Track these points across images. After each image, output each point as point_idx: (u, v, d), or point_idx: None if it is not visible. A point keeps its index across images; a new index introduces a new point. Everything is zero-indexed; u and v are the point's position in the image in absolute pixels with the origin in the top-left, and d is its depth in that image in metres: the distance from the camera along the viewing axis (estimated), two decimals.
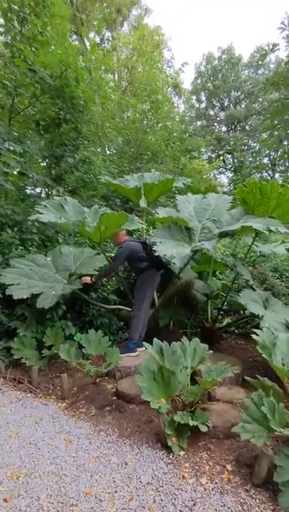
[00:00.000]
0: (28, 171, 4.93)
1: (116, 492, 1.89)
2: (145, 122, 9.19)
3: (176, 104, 15.52)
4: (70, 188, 6.69)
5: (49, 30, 5.24)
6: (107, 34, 15.75)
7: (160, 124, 9.71)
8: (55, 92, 5.39)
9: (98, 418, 2.69)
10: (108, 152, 9.41)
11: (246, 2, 37.36)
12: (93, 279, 3.72)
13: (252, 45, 36.34)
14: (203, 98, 26.30)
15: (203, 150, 14.74)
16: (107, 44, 15.02)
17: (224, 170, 22.16)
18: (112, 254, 3.91)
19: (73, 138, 6.09)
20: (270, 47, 9.09)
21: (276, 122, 9.74)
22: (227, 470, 2.04)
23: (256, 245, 4.48)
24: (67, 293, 3.65)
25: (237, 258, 4.98)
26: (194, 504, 1.80)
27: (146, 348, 2.57)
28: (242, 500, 1.81)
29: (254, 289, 3.54)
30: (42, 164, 6.51)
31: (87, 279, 3.72)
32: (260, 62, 22.51)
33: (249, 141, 21.88)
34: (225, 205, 3.76)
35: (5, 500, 1.82)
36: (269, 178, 18.12)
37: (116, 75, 12.83)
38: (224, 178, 21.39)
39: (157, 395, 2.39)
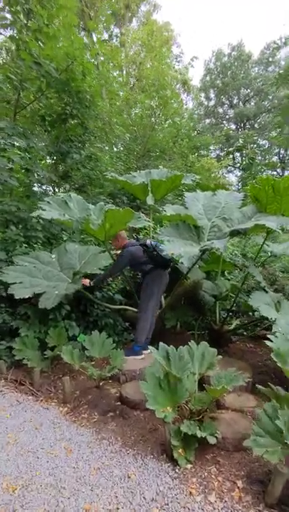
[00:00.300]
0: (33, 167, 4.82)
1: (118, 509, 1.75)
2: (153, 119, 9.02)
3: (184, 102, 15.31)
4: (76, 186, 6.58)
5: (56, 23, 5.11)
6: (116, 30, 15.63)
7: (168, 121, 9.54)
8: (61, 86, 5.27)
9: (101, 425, 2.56)
10: (115, 149, 9.26)
11: None
12: (91, 283, 3.60)
13: (262, 42, 35.79)
14: (212, 95, 25.96)
15: (211, 148, 14.52)
16: (116, 40, 14.88)
17: (233, 168, 21.89)
18: (118, 252, 3.68)
19: (80, 134, 5.96)
20: (283, 40, 8.82)
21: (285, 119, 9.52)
22: (238, 487, 1.89)
23: (267, 245, 4.30)
24: (71, 293, 3.52)
25: (248, 258, 4.80)
26: None
27: (151, 352, 2.44)
28: None
29: (266, 291, 3.36)
30: (48, 161, 6.41)
31: (86, 282, 3.59)
32: (270, 59, 22.17)
33: (259, 139, 21.51)
34: (236, 203, 3.59)
35: None
36: (279, 176, 17.80)
37: (124, 72, 12.67)
38: (233, 177, 21.14)
39: (163, 403, 2.25)
